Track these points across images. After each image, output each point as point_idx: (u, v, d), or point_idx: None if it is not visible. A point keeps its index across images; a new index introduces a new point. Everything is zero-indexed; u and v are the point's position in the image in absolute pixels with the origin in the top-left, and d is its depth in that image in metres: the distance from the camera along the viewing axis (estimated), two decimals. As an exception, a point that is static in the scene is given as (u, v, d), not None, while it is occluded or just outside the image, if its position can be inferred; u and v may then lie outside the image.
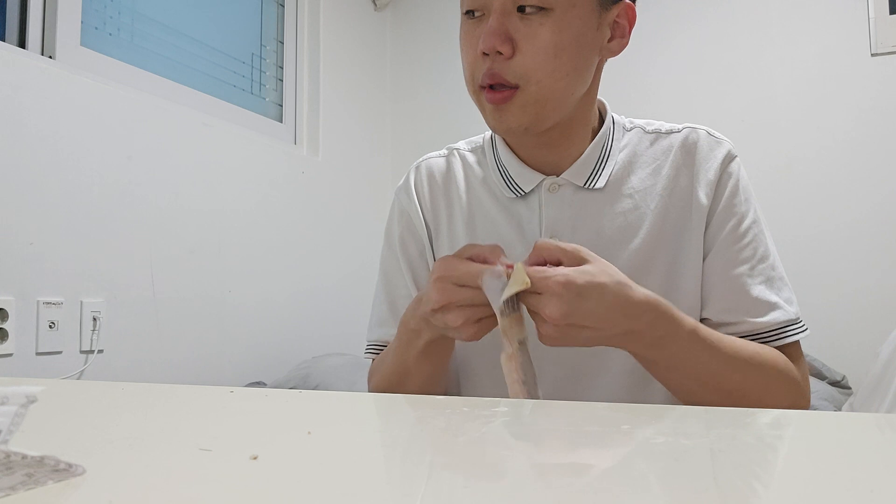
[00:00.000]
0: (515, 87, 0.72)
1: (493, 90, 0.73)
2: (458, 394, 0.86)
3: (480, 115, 0.79)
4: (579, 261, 0.64)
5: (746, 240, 0.77)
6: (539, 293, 0.62)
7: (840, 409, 1.76)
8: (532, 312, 0.64)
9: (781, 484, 0.31)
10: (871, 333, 1.95)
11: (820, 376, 1.97)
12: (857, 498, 0.28)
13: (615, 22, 0.77)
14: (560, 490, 0.30)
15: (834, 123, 2.27)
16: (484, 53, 0.72)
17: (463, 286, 0.64)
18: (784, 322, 0.75)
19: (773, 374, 0.72)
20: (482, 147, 0.89)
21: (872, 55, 2.24)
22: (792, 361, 0.75)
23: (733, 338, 0.73)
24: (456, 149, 0.91)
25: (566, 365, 0.78)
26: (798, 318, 0.77)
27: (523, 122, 0.74)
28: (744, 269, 0.76)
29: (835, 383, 1.98)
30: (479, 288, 0.63)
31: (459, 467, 0.34)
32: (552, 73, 0.72)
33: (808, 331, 0.77)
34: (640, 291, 0.65)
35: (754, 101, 2.37)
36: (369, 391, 0.85)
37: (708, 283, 0.78)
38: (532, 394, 0.64)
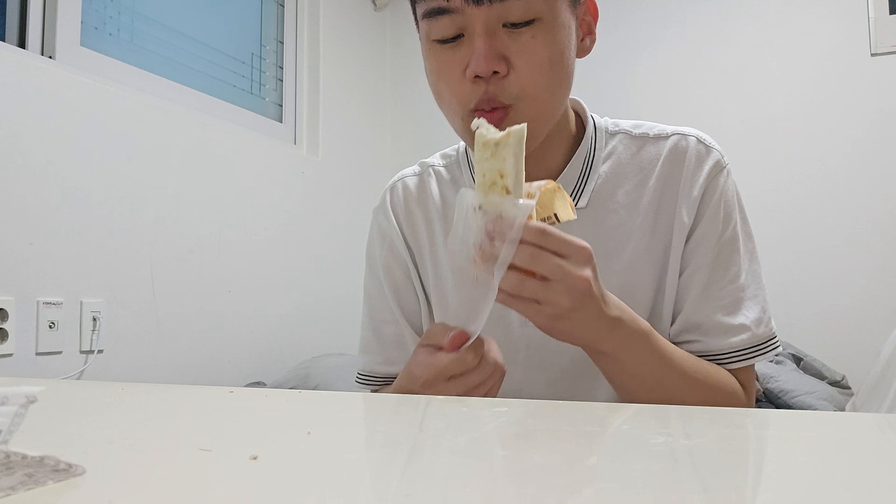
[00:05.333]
0: (507, 107, 0.69)
1: (486, 112, 0.68)
2: None
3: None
4: (586, 262, 0.59)
5: (719, 259, 0.75)
6: (546, 279, 0.57)
7: (842, 409, 1.75)
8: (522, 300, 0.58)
9: (781, 484, 0.31)
10: (871, 333, 1.95)
11: (820, 376, 1.97)
12: (857, 498, 0.28)
13: (582, 20, 0.75)
14: (560, 490, 0.30)
15: (833, 123, 2.27)
16: (476, 77, 0.68)
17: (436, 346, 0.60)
18: (738, 347, 0.73)
19: (721, 398, 0.71)
20: (457, 160, 0.87)
21: (872, 55, 2.25)
22: (743, 383, 0.74)
23: (687, 353, 0.72)
24: (430, 165, 0.88)
25: (566, 366, 0.77)
26: (763, 340, 0.74)
27: None
28: (712, 290, 0.75)
29: (835, 383, 1.98)
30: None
31: (459, 467, 0.34)
32: (547, 88, 0.70)
33: (778, 347, 0.76)
34: (613, 304, 0.63)
35: (754, 100, 2.37)
36: None
37: (678, 299, 0.77)
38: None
